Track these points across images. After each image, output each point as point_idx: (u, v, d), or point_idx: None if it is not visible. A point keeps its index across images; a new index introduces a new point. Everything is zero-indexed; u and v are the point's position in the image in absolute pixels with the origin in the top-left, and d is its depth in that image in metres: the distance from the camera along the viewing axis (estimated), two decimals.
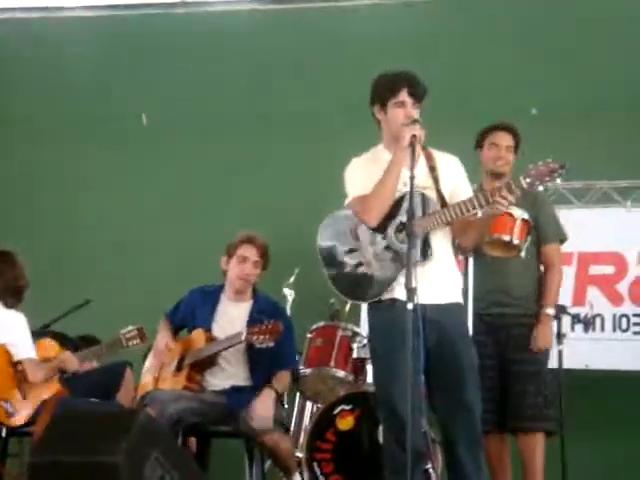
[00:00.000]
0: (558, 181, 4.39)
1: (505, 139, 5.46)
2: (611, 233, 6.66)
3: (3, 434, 5.49)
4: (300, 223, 6.37)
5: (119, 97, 7.67)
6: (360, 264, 4.60)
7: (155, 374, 5.57)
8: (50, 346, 5.77)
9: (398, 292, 4.36)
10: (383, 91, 4.59)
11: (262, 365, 5.37)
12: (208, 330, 5.47)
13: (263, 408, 5.22)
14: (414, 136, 4.42)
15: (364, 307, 6.10)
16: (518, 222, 5.04)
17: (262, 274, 5.55)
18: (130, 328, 5.75)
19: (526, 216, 5.07)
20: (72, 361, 5.63)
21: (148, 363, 5.72)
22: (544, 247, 5.45)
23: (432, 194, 4.55)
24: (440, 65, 6.84)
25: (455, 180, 4.63)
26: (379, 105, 4.61)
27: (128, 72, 7.71)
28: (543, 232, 5.39)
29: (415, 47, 7.09)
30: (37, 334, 5.87)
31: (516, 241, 5.06)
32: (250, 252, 5.48)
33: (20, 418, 5.50)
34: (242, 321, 5.41)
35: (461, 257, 5.00)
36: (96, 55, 7.76)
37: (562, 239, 5.54)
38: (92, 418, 4.65)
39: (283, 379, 5.40)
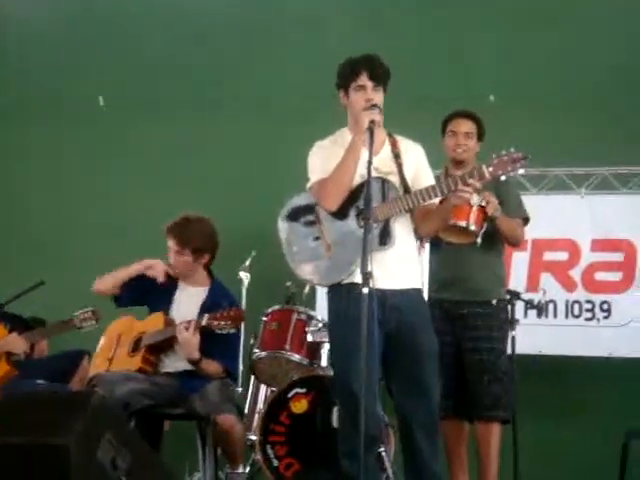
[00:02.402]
0: (521, 171, 4.41)
1: (464, 126, 5.46)
2: (565, 220, 6.69)
3: None
4: (257, 206, 6.38)
5: (75, 78, 7.58)
6: (321, 248, 4.60)
7: (109, 355, 5.54)
8: None
9: (358, 277, 4.36)
10: (345, 75, 4.60)
11: (210, 353, 5.34)
12: (166, 313, 5.44)
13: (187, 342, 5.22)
14: (372, 121, 4.43)
15: (320, 291, 6.13)
16: (474, 208, 5.06)
17: (201, 257, 5.46)
18: (85, 309, 5.72)
19: (483, 203, 5.09)
20: (17, 343, 5.59)
21: (100, 345, 5.68)
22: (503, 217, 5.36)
23: (395, 180, 4.56)
24: (401, 49, 6.82)
25: (418, 167, 4.65)
26: (343, 89, 4.61)
27: (84, 53, 7.62)
28: (506, 210, 5.34)
29: (376, 30, 7.08)
30: None
31: (472, 227, 5.08)
32: (170, 242, 5.47)
33: None
34: (196, 307, 5.39)
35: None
36: (53, 35, 7.67)
37: (525, 217, 5.53)
38: (44, 400, 4.62)
39: (212, 365, 5.34)
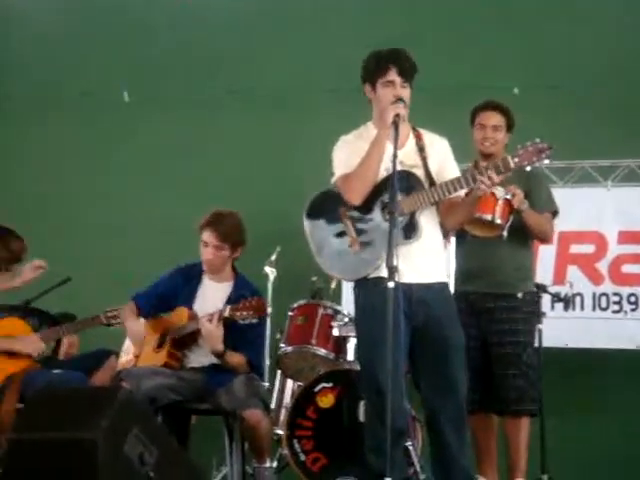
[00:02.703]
0: (546, 161, 4.41)
1: (492, 119, 5.42)
2: (592, 212, 6.67)
3: None
4: (283, 201, 6.39)
5: (100, 72, 7.60)
6: (346, 243, 4.60)
7: (136, 352, 5.55)
8: (17, 324, 5.75)
9: (384, 271, 4.36)
10: (372, 70, 4.60)
11: (234, 345, 5.34)
12: (190, 308, 5.46)
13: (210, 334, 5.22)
14: (397, 115, 4.44)
15: (346, 285, 6.13)
16: (500, 202, 5.04)
17: (236, 251, 5.46)
18: (114, 307, 5.74)
19: (508, 196, 5.07)
20: (32, 346, 5.63)
21: (126, 344, 5.70)
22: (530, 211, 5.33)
23: (420, 173, 4.56)
24: (422, 40, 6.82)
25: (443, 160, 4.65)
26: (369, 84, 4.61)
27: (108, 47, 7.64)
28: (535, 203, 5.32)
29: (397, 21, 7.06)
30: (18, 310, 5.89)
31: (498, 220, 5.06)
32: (209, 237, 5.43)
33: None
34: (221, 302, 5.39)
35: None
36: (76, 28, 7.69)
37: (554, 211, 5.50)
38: (72, 395, 4.65)
39: (236, 357, 5.32)
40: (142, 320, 5.51)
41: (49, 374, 5.55)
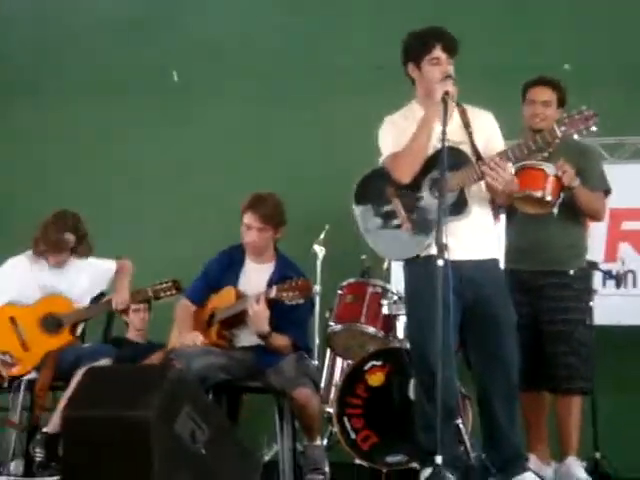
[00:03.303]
0: (594, 128, 4.37)
1: (542, 94, 5.36)
2: None
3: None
4: (331, 180, 6.38)
5: (151, 53, 7.63)
6: (396, 222, 4.59)
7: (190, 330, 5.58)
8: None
9: (434, 249, 4.35)
10: (416, 49, 4.59)
11: (279, 326, 5.35)
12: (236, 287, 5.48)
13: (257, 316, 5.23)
14: (447, 92, 4.42)
15: (395, 264, 6.12)
16: (550, 178, 5.01)
17: (278, 232, 5.44)
18: (165, 280, 5.81)
19: (559, 172, 5.02)
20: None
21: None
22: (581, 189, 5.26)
23: (467, 149, 4.54)
24: (472, 19, 6.77)
25: (489, 135, 4.63)
26: (413, 63, 4.59)
27: (160, 28, 7.66)
28: (587, 181, 5.25)
29: (444, 3, 7.02)
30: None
31: (548, 197, 5.02)
32: (251, 219, 5.42)
33: (21, 368, 5.63)
34: (264, 283, 5.39)
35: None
36: (127, 9, 7.73)
37: (606, 190, 5.43)
38: (125, 373, 4.70)
39: (281, 339, 5.32)
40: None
41: (79, 349, 5.67)
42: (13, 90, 7.69)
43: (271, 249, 5.53)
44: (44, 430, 5.44)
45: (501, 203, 4.70)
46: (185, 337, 5.39)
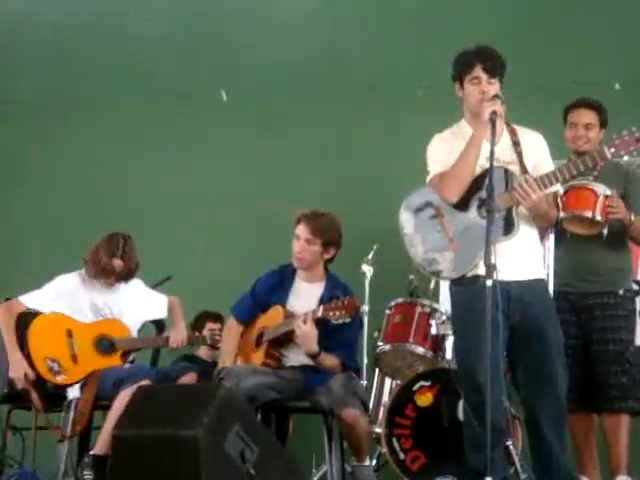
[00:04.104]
0: None
1: (584, 116, 5.32)
2: None
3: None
4: (380, 199, 6.37)
5: (199, 74, 7.69)
6: (443, 241, 4.59)
7: (235, 350, 5.61)
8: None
9: (482, 269, 4.35)
10: (459, 68, 4.63)
11: (328, 346, 5.33)
12: (284, 307, 5.49)
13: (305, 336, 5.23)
14: (494, 112, 4.43)
15: (443, 283, 6.09)
16: (601, 198, 4.97)
17: (328, 251, 5.44)
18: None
19: (609, 192, 4.99)
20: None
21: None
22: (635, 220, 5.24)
23: (516, 169, 4.54)
24: (520, 37, 6.75)
25: (538, 156, 4.63)
26: (458, 82, 4.63)
27: (208, 50, 7.72)
28: (632, 205, 5.22)
29: (489, 18, 7.01)
30: None
31: (598, 217, 4.99)
32: (301, 230, 5.44)
33: (67, 378, 5.69)
34: (314, 302, 5.40)
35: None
36: (173, 32, 7.79)
37: None
38: (174, 392, 4.73)
39: (330, 359, 5.32)
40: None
41: (119, 370, 5.70)
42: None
43: (320, 268, 5.53)
44: (92, 452, 5.47)
45: (539, 224, 4.67)
46: (225, 361, 5.43)
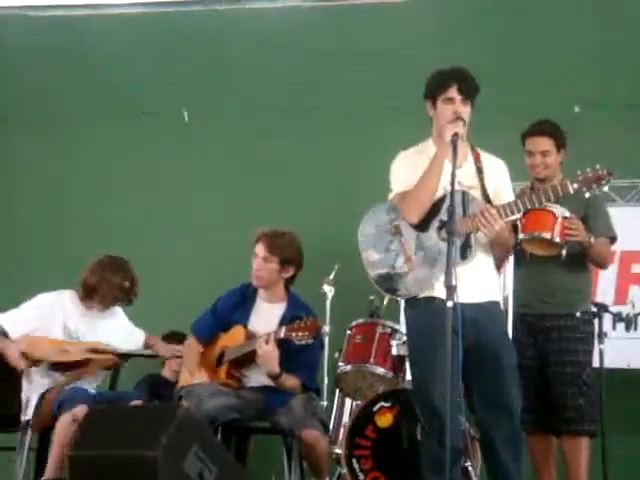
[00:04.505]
0: (605, 188, 4.39)
1: (539, 144, 5.35)
2: None
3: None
4: (340, 219, 6.37)
5: (160, 93, 7.68)
6: (400, 260, 4.59)
7: (195, 368, 5.57)
8: None
9: (438, 290, 4.36)
10: (434, 87, 4.62)
11: (289, 367, 5.33)
12: (245, 327, 5.47)
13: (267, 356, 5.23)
14: (455, 134, 4.44)
15: (403, 304, 6.11)
16: (559, 220, 5.02)
17: (286, 269, 5.44)
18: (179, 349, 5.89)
19: (567, 214, 5.03)
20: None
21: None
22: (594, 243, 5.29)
23: (477, 194, 4.55)
24: (483, 61, 6.80)
25: (499, 183, 4.66)
26: (430, 101, 4.63)
27: (168, 68, 7.71)
28: (593, 228, 5.28)
29: (459, 43, 7.05)
30: None
31: (557, 239, 5.03)
32: (259, 248, 5.45)
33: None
34: (275, 322, 5.39)
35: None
36: (138, 51, 7.78)
37: (612, 237, 5.42)
38: (132, 412, 4.69)
39: (291, 380, 5.32)
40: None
41: (63, 391, 5.60)
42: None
43: (280, 287, 5.52)
44: (44, 478, 5.40)
45: (497, 252, 4.68)
46: (190, 379, 5.39)
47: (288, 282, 5.54)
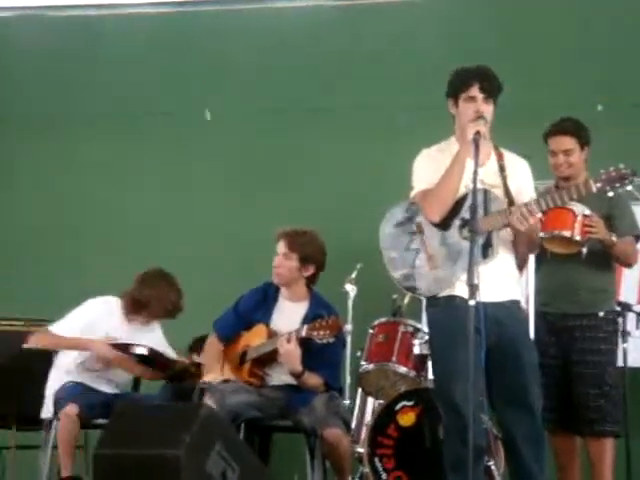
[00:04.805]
0: (629, 187, 4.37)
1: (561, 143, 5.32)
2: None
3: None
4: (363, 218, 6.37)
5: (182, 93, 7.70)
6: (422, 258, 4.59)
7: (217, 366, 5.59)
8: None
9: (459, 289, 4.36)
10: (456, 85, 4.61)
11: (311, 366, 5.34)
12: (267, 325, 5.48)
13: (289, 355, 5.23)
14: (478, 132, 4.43)
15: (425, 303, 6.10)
16: (579, 218, 5.00)
17: (306, 267, 5.46)
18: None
19: (587, 212, 5.01)
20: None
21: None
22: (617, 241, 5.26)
23: (499, 192, 4.54)
24: (504, 60, 6.78)
25: (522, 182, 4.64)
26: (452, 99, 4.63)
27: (190, 68, 7.73)
28: (617, 227, 5.25)
29: (477, 40, 7.04)
30: None
31: (577, 237, 5.01)
32: (280, 246, 5.48)
33: None
34: (298, 321, 5.40)
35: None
36: (158, 51, 7.80)
37: (637, 235, 5.39)
38: (156, 412, 4.71)
39: (314, 378, 5.34)
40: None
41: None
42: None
43: (302, 286, 5.53)
44: (62, 476, 5.46)
45: (523, 252, 4.67)
46: (208, 376, 5.42)
47: (310, 281, 5.55)
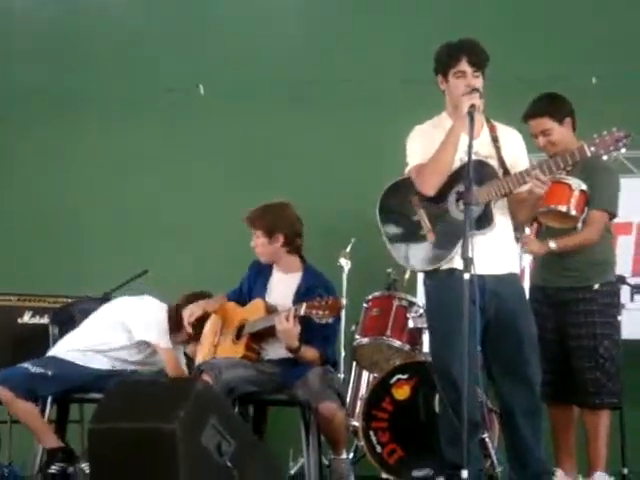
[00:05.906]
0: (623, 150, 4.37)
1: (538, 126, 5.22)
2: None
3: None
4: (357, 193, 6.39)
5: (174, 68, 7.67)
6: (420, 232, 4.60)
7: (214, 342, 5.60)
8: None
9: (457, 262, 4.36)
10: (444, 61, 4.61)
11: (308, 339, 5.34)
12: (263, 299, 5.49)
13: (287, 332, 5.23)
14: (472, 105, 4.44)
15: (420, 277, 6.11)
16: (576, 192, 4.96)
17: (274, 238, 5.42)
18: None
19: (584, 187, 5.00)
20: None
21: (204, 333, 5.73)
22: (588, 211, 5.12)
23: (494, 163, 4.56)
24: (500, 33, 6.77)
25: (516, 153, 4.65)
26: (441, 75, 4.62)
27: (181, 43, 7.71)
28: (594, 197, 5.08)
29: (474, 14, 7.02)
30: (102, 300, 6.13)
31: (573, 212, 4.99)
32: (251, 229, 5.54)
33: None
34: (291, 292, 5.41)
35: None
36: (148, 25, 7.78)
37: (609, 211, 5.24)
38: (151, 386, 4.72)
39: (310, 351, 5.33)
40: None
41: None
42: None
43: (290, 258, 5.51)
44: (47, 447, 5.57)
45: (521, 221, 4.69)
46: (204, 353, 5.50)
47: (293, 250, 5.51)
